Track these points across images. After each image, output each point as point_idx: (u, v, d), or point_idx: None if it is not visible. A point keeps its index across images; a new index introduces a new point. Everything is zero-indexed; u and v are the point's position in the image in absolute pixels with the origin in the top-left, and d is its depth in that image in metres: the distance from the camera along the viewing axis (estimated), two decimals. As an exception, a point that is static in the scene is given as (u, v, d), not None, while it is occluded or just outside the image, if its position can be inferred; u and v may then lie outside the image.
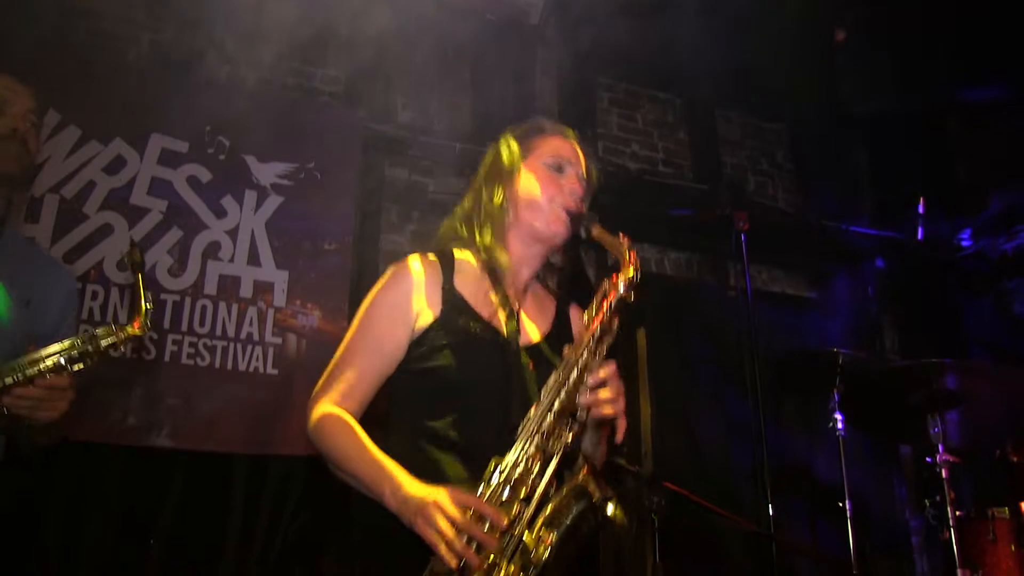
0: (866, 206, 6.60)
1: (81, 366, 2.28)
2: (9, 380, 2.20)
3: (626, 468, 3.37)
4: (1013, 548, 3.89)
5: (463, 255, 2.36)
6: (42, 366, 2.23)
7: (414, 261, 2.29)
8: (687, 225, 5.88)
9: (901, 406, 4.23)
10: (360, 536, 2.16)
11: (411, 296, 2.21)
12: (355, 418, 2.17)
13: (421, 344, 2.19)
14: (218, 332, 4.52)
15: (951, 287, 6.27)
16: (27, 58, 3.95)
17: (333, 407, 2.15)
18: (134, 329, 2.33)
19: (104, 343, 2.31)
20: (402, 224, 5.31)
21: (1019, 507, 3.95)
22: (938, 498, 4.07)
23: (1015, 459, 4.16)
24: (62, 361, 2.25)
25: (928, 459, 4.14)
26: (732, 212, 4.82)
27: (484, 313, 2.24)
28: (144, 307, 2.34)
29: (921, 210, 5.76)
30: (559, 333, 2.37)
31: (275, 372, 4.57)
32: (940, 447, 4.08)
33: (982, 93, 5.62)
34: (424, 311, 2.21)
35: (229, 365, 4.49)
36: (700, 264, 6.25)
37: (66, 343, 2.28)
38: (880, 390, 4.38)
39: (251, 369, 4.53)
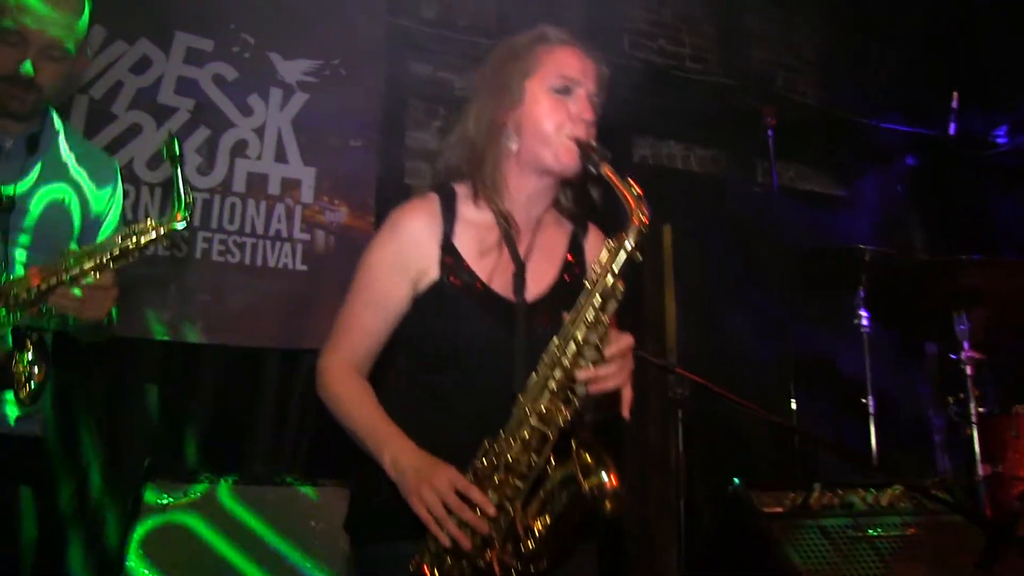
0: (897, 101, 6.48)
1: (123, 262, 2.27)
2: (54, 280, 2.19)
3: (651, 360, 3.41)
4: (1036, 444, 3.93)
5: (467, 193, 2.19)
6: (86, 264, 2.21)
7: (412, 211, 2.16)
8: (714, 121, 5.82)
9: (927, 303, 4.23)
10: (362, 480, 2.15)
11: (409, 252, 2.11)
12: (364, 374, 2.15)
13: (422, 303, 2.12)
14: (247, 229, 4.56)
15: (983, 185, 6.19)
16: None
17: (341, 365, 2.13)
18: (176, 221, 2.29)
19: (145, 239, 2.27)
20: (428, 120, 5.29)
21: (1045, 403, 3.98)
22: (961, 395, 4.09)
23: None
24: (104, 260, 2.23)
25: (953, 356, 4.15)
26: (760, 107, 4.77)
27: (486, 270, 2.11)
28: (184, 199, 2.28)
29: (954, 105, 5.65)
30: (571, 276, 2.21)
31: (304, 268, 4.62)
32: (965, 344, 4.09)
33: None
34: (424, 269, 2.10)
35: (259, 261, 4.55)
36: (727, 161, 6.19)
37: (107, 240, 2.28)
38: (906, 287, 4.38)
39: (280, 265, 4.58)
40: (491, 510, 1.84)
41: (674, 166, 6.03)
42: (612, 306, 1.91)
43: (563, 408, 1.90)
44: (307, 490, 3.81)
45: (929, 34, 6.10)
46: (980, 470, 3.92)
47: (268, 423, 4.51)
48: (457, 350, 2.09)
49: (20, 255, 2.38)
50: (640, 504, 5.14)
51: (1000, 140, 6.07)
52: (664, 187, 5.81)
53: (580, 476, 1.82)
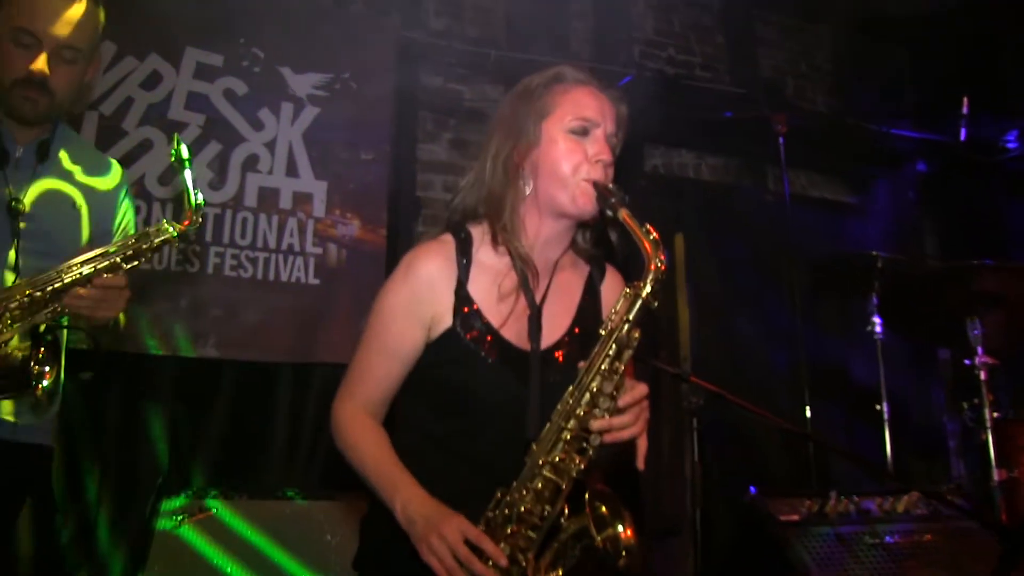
0: (908, 108, 6.47)
1: (136, 264, 2.31)
2: (67, 280, 2.23)
3: (665, 369, 3.41)
4: (1051, 449, 3.90)
5: (483, 236, 2.16)
6: (99, 265, 2.25)
7: (427, 255, 2.13)
8: (725, 130, 5.82)
9: (940, 309, 4.20)
10: (372, 527, 2.17)
11: (423, 297, 2.08)
12: (378, 419, 2.15)
13: (435, 350, 2.10)
14: (259, 243, 4.58)
15: (994, 190, 6.17)
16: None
17: (355, 412, 2.13)
18: (186, 224, 2.33)
19: (157, 240, 2.32)
20: (438, 132, 5.31)
21: (1059, 409, 3.95)
22: (976, 401, 4.07)
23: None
24: (117, 260, 2.27)
25: (967, 362, 4.13)
26: (770, 116, 4.77)
27: (500, 317, 2.08)
28: (194, 202, 2.32)
29: (965, 111, 5.64)
30: (585, 322, 2.17)
31: (316, 281, 4.63)
32: (979, 349, 4.07)
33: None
34: (438, 316, 2.08)
35: (271, 276, 4.56)
36: (738, 169, 6.19)
37: (120, 242, 2.31)
38: (919, 293, 4.36)
39: (293, 279, 4.59)
40: (503, 561, 1.83)
41: (686, 175, 6.04)
42: (627, 355, 1.90)
43: (577, 458, 1.89)
44: (321, 504, 3.80)
45: (939, 40, 6.09)
46: (995, 475, 3.88)
47: (281, 437, 4.51)
48: (469, 399, 2.07)
49: (31, 260, 2.39)
50: (656, 514, 5.12)
51: (1011, 145, 6.04)
52: (676, 196, 5.82)
53: (594, 529, 1.80)
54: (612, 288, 2.26)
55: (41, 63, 2.37)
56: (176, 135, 2.36)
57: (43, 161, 2.50)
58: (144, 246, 2.31)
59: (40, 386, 2.24)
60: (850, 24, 6.52)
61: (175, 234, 2.34)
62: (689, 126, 5.78)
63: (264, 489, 4.11)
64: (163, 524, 3.57)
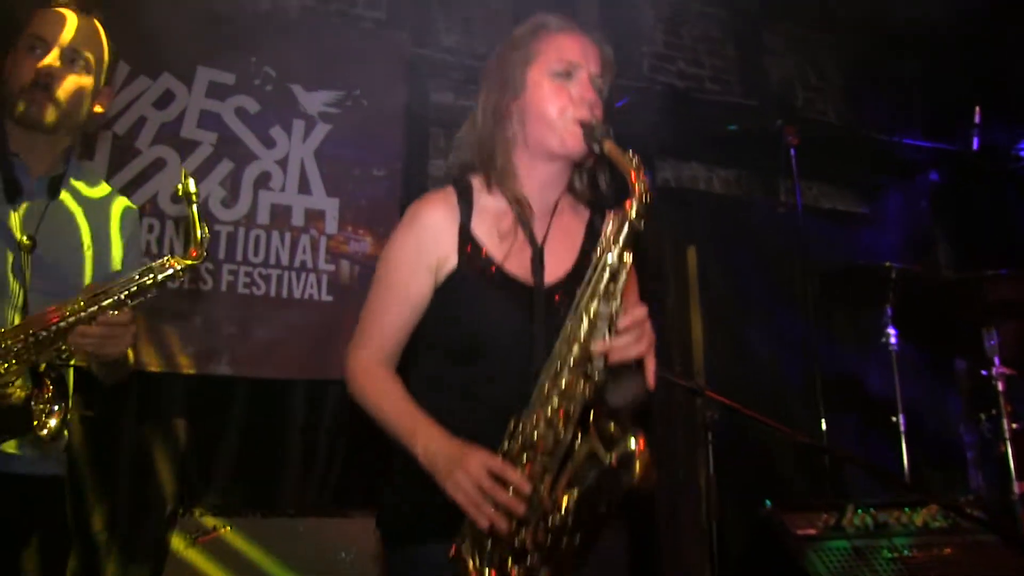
0: (919, 117, 6.45)
1: (141, 300, 2.28)
2: (72, 319, 2.20)
3: (679, 384, 3.39)
4: (1072, 460, 3.87)
5: (482, 184, 2.21)
6: (104, 303, 2.22)
7: (430, 203, 2.19)
8: (736, 142, 5.81)
9: (955, 319, 4.19)
10: (398, 481, 2.17)
11: (429, 242, 2.13)
12: (390, 367, 2.17)
13: (443, 293, 2.14)
14: (272, 261, 4.59)
15: (1008, 199, 6.14)
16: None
17: (368, 361, 2.15)
18: (191, 258, 2.30)
19: (162, 276, 2.28)
20: (450, 148, 5.28)
21: (1079, 418, 3.92)
22: (994, 412, 4.04)
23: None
24: (121, 296, 2.24)
25: (983, 372, 4.11)
26: (781, 127, 4.76)
27: (504, 255, 2.12)
28: (199, 236, 2.30)
29: (977, 119, 5.62)
30: (589, 263, 2.15)
31: (330, 298, 4.64)
32: (996, 360, 4.04)
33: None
34: (444, 258, 2.12)
35: (284, 293, 4.57)
36: (749, 181, 6.18)
37: (125, 278, 2.28)
38: (934, 303, 4.35)
39: (306, 296, 4.60)
40: (526, 488, 1.85)
41: (697, 188, 6.03)
42: (622, 278, 1.91)
43: (583, 383, 1.90)
44: (334, 522, 3.79)
45: (950, 49, 6.08)
46: (1016, 487, 3.86)
47: (296, 455, 4.52)
48: (478, 337, 2.09)
49: (39, 297, 2.36)
50: (672, 528, 5.10)
51: (1023, 153, 6.02)
52: (687, 209, 5.81)
53: (602, 448, 1.82)
54: None
55: (48, 61, 2.40)
56: (184, 169, 2.36)
57: (55, 197, 2.49)
58: (148, 281, 2.27)
59: (48, 427, 2.21)
60: (860, 34, 6.51)
61: (180, 269, 2.31)
62: (699, 139, 5.77)
63: (277, 507, 4.11)
64: (176, 543, 3.57)
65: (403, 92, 5.06)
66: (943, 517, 3.34)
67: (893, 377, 4.35)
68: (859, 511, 3.33)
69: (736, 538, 4.18)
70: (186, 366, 4.35)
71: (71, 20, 2.47)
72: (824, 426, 4.39)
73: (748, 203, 6.07)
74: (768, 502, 3.39)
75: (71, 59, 2.45)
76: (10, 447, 2.31)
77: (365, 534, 3.69)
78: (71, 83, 2.45)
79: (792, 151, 4.76)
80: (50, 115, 2.42)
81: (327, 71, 4.88)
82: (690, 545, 5.06)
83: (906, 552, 3.22)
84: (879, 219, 6.32)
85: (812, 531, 3.28)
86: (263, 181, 4.67)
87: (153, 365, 4.24)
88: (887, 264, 4.30)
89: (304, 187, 4.74)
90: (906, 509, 3.37)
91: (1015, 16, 5.59)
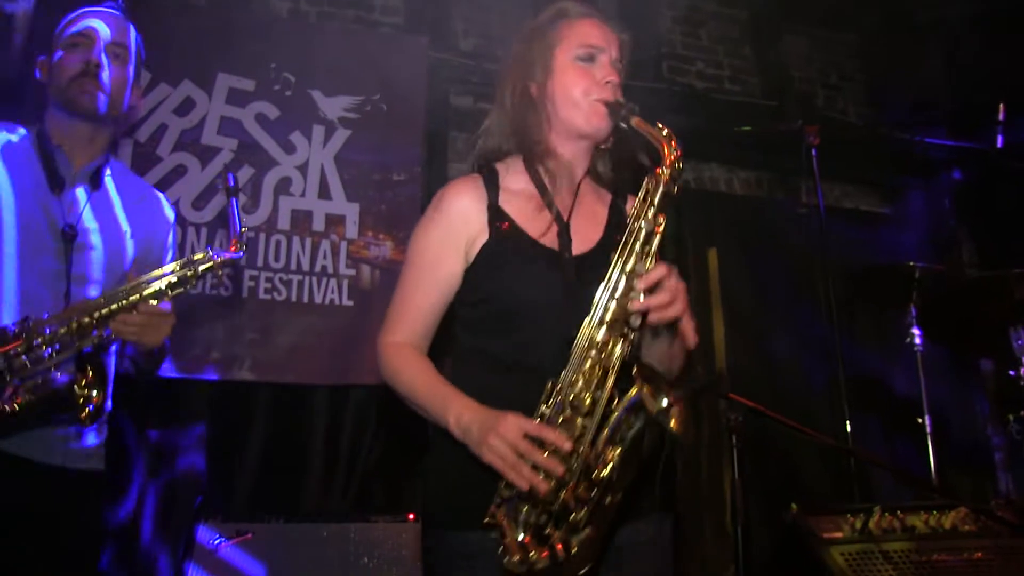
0: (941, 116, 6.39)
1: (181, 291, 2.39)
2: (114, 307, 2.30)
3: (702, 386, 3.38)
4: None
5: (509, 166, 2.30)
6: (145, 292, 2.33)
7: (457, 187, 2.26)
8: (756, 143, 5.78)
9: (981, 319, 4.14)
10: (435, 462, 2.19)
11: (457, 224, 2.19)
12: (422, 351, 2.21)
13: (474, 271, 2.19)
14: (293, 266, 4.60)
15: (1032, 197, 6.09)
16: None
17: (398, 342, 2.18)
18: (231, 251, 2.42)
19: (203, 267, 2.40)
20: (469, 152, 5.28)
21: (1108, 418, 3.87)
22: (1022, 413, 4.00)
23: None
24: (162, 287, 2.35)
25: (1011, 372, 4.06)
26: (802, 127, 4.73)
27: (533, 229, 2.18)
28: (241, 229, 2.44)
29: (1001, 117, 5.56)
30: (615, 233, 2.20)
31: (350, 303, 4.65)
32: (1023, 360, 4.00)
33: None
34: (474, 236, 2.18)
35: (305, 298, 4.58)
36: (770, 182, 6.15)
37: (165, 268, 2.39)
38: (959, 303, 4.29)
39: (327, 301, 4.61)
40: (567, 445, 1.86)
41: (717, 189, 6.00)
42: (655, 240, 1.98)
43: (620, 341, 1.95)
44: (358, 527, 3.79)
45: (972, 45, 6.02)
46: (1045, 490, 3.82)
47: (319, 460, 4.53)
48: (512, 306, 2.14)
49: (81, 286, 2.47)
50: (697, 532, 5.07)
51: (1049, 151, 5.95)
52: (708, 211, 5.79)
53: (647, 401, 1.83)
54: None
55: (96, 53, 2.56)
56: (225, 167, 2.48)
57: (96, 188, 2.60)
58: (189, 273, 2.40)
59: (87, 411, 2.28)
60: (880, 32, 6.47)
61: (220, 261, 2.42)
62: (719, 140, 5.75)
63: (300, 512, 4.12)
64: (201, 548, 3.58)
65: (422, 96, 5.06)
66: (973, 520, 3.30)
67: (918, 378, 4.32)
68: (886, 514, 3.28)
69: (761, 542, 4.15)
70: (208, 372, 4.36)
71: (109, 18, 2.65)
72: (849, 428, 4.34)
73: (769, 204, 6.04)
74: (794, 505, 3.36)
75: (114, 53, 2.61)
76: (55, 439, 2.39)
77: (389, 540, 3.69)
78: (116, 73, 2.61)
79: (813, 151, 4.72)
80: (100, 102, 2.56)
81: (346, 76, 4.90)
82: (715, 549, 5.03)
83: (935, 555, 3.18)
84: (902, 219, 6.27)
85: (838, 534, 3.24)
86: (283, 187, 4.68)
87: (176, 370, 4.26)
88: (910, 264, 4.28)
89: (324, 192, 4.74)
90: (934, 512, 3.32)
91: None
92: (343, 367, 4.53)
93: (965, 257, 6.37)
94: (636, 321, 1.93)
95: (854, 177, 6.31)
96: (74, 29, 2.60)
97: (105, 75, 2.57)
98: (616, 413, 1.90)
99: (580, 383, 1.93)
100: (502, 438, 1.85)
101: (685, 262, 5.43)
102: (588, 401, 1.92)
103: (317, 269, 4.63)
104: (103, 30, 2.60)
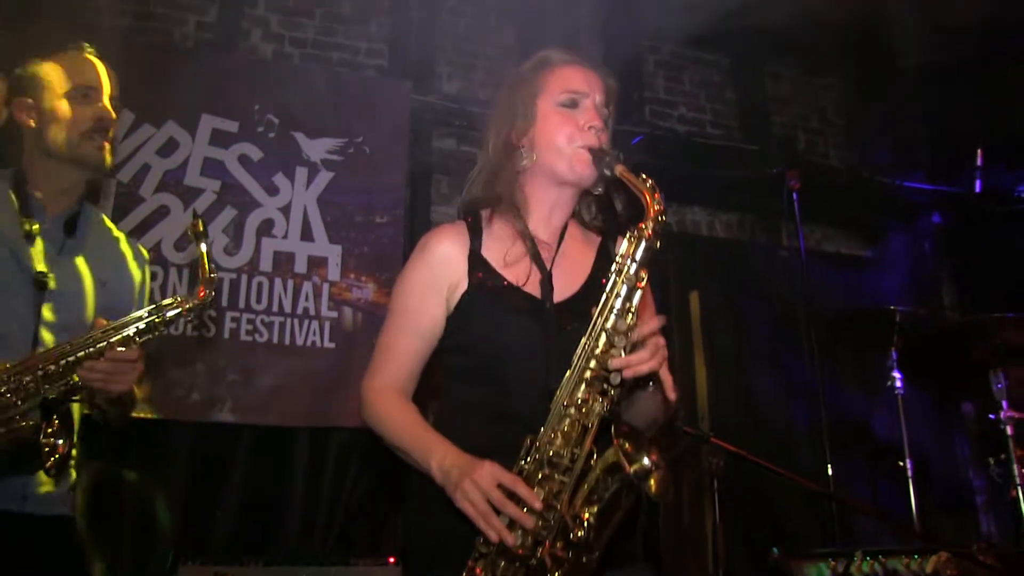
0: (921, 160, 6.46)
1: (149, 337, 2.33)
2: (81, 354, 2.25)
3: (683, 431, 3.36)
4: (1082, 506, 3.81)
5: (494, 214, 2.28)
6: (113, 339, 2.28)
7: (440, 233, 2.25)
8: (738, 186, 5.82)
9: (962, 362, 4.15)
10: (417, 507, 2.17)
11: (440, 269, 2.19)
12: (407, 395, 2.20)
13: (456, 318, 2.18)
14: (275, 308, 4.59)
15: (1012, 240, 6.13)
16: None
17: (382, 388, 2.18)
18: (199, 297, 2.36)
19: (171, 314, 2.35)
20: (453, 195, 5.33)
21: (1088, 463, 3.87)
22: (1003, 456, 4.00)
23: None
24: (130, 333, 2.30)
25: (992, 416, 4.07)
26: (783, 171, 4.77)
27: (514, 276, 2.16)
28: (209, 276, 2.37)
29: (979, 162, 5.63)
30: (601, 276, 2.17)
31: (332, 345, 4.63)
32: (1004, 403, 4.00)
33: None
34: (455, 283, 2.17)
35: (287, 340, 4.56)
36: (752, 225, 6.18)
37: (133, 315, 2.34)
38: (940, 347, 4.30)
39: (309, 343, 4.59)
40: (537, 504, 1.84)
41: (699, 232, 6.03)
42: (637, 295, 1.96)
43: (600, 399, 1.93)
44: (337, 570, 3.75)
45: (951, 93, 6.10)
46: (1028, 533, 3.81)
47: (299, 503, 4.48)
48: (492, 355, 2.13)
49: (52, 334, 2.42)
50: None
51: (1026, 194, 6.03)
52: (690, 254, 5.81)
53: (624, 462, 1.81)
54: None
55: (107, 107, 2.56)
56: (194, 209, 2.44)
57: (71, 235, 2.56)
58: (157, 319, 2.34)
59: (52, 459, 2.25)
60: (861, 78, 6.55)
61: (189, 307, 2.37)
62: (701, 183, 5.79)
63: (281, 555, 4.07)
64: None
65: (405, 139, 5.09)
66: (954, 565, 3.28)
67: (900, 421, 4.32)
68: (868, 558, 3.27)
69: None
70: (189, 413, 4.33)
71: (101, 67, 2.62)
72: (831, 471, 4.34)
73: (751, 247, 6.07)
74: (775, 549, 3.34)
75: (114, 106, 2.60)
76: (19, 485, 2.33)
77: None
78: (114, 127, 2.61)
79: (794, 195, 4.76)
80: (109, 157, 2.56)
81: (330, 119, 4.92)
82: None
83: (917, 600, 3.16)
84: (883, 262, 6.31)
85: (821, 579, 3.23)
86: (266, 228, 4.68)
87: (156, 412, 4.22)
88: (892, 307, 4.30)
89: (307, 234, 4.75)
90: (915, 556, 3.32)
91: (1015, 59, 5.62)
92: (325, 409, 4.50)
93: (946, 301, 6.40)
94: (616, 378, 1.92)
95: (835, 220, 6.35)
96: (81, 81, 2.56)
97: (112, 130, 2.57)
98: (595, 472, 1.89)
99: (559, 440, 1.92)
100: (476, 484, 1.83)
101: (668, 305, 5.44)
102: (567, 459, 1.91)
103: (299, 311, 4.62)
104: (104, 81, 2.60)
